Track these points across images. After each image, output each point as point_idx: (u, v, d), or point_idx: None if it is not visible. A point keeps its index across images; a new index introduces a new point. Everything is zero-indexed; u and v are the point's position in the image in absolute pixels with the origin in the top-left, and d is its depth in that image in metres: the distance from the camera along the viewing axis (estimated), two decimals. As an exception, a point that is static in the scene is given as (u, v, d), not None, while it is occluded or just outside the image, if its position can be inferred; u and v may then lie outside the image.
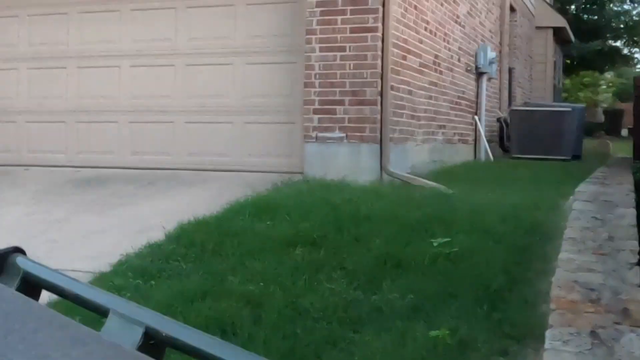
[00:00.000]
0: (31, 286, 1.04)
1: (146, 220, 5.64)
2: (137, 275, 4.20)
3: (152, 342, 0.91)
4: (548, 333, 3.03)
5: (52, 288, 1.05)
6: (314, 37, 7.34)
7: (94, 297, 1.02)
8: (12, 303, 0.93)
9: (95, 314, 0.98)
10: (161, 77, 8.19)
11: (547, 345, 2.90)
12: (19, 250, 1.07)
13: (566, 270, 3.92)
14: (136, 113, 8.26)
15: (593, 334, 3.02)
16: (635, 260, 4.19)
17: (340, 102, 7.31)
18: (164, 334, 0.92)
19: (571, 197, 6.08)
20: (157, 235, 4.89)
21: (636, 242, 4.60)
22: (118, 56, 8.33)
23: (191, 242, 4.72)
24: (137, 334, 0.91)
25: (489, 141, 11.75)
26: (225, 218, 5.30)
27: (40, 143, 8.66)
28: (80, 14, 8.48)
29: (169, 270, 4.26)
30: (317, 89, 7.37)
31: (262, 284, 3.95)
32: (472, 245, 4.54)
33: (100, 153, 8.37)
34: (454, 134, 10.38)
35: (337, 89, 7.32)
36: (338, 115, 7.32)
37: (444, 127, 9.78)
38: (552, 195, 6.50)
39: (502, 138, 13.07)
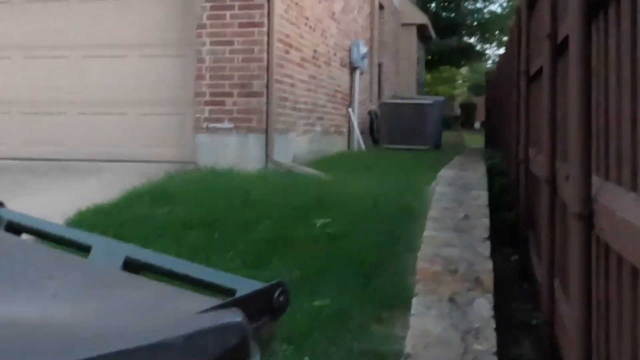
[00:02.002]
0: (15, 232, 1.11)
1: (45, 208, 5.51)
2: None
3: (131, 268, 0.99)
4: (414, 300, 3.31)
5: (34, 231, 1.11)
6: (204, 31, 7.38)
7: (75, 236, 1.07)
8: (6, 240, 1.03)
9: (79, 250, 1.04)
10: (55, 69, 7.95)
11: (413, 311, 3.18)
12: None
13: (429, 246, 4.24)
14: (30, 104, 7.99)
15: (451, 300, 3.33)
16: (486, 235, 4.58)
17: (230, 94, 7.39)
18: (141, 261, 1.00)
19: (433, 181, 6.47)
20: (57, 222, 4.81)
21: (487, 220, 5.01)
22: (8, 47, 8.01)
23: (92, 227, 4.69)
24: (119, 262, 0.99)
25: (361, 132, 12.10)
26: (123, 205, 5.30)
27: None
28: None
29: (72, 255, 4.23)
30: (208, 82, 7.42)
31: (162, 265, 4.01)
32: (349, 226, 4.80)
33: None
34: (331, 125, 10.66)
35: (227, 82, 7.39)
36: (227, 107, 7.39)
37: (321, 118, 10.04)
38: (417, 180, 6.88)
39: (373, 130, 13.45)
